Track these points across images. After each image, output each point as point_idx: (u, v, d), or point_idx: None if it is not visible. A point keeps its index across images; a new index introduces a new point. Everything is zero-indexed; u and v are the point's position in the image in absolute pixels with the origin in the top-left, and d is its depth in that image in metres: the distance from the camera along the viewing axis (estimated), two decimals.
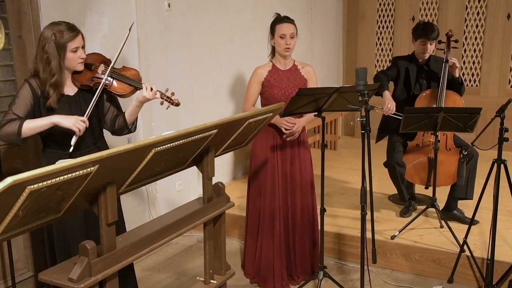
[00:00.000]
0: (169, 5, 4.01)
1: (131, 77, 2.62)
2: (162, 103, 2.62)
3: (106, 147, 2.73)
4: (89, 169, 1.60)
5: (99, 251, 1.83)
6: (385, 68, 6.78)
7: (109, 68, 2.56)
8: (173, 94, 2.62)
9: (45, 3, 3.06)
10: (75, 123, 2.39)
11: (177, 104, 2.61)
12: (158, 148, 1.86)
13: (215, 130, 2.15)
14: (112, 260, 1.86)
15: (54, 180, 1.50)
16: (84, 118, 2.44)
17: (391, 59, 6.66)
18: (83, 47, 2.52)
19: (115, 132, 2.71)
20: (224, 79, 4.79)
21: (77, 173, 1.56)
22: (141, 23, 3.79)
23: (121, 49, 2.58)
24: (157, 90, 2.59)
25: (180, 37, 4.17)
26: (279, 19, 3.19)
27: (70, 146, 2.46)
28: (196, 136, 2.05)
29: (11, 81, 3.05)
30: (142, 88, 2.58)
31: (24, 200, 1.46)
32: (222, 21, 4.66)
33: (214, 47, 4.60)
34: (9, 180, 1.35)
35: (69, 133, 2.46)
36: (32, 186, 1.44)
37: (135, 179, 1.93)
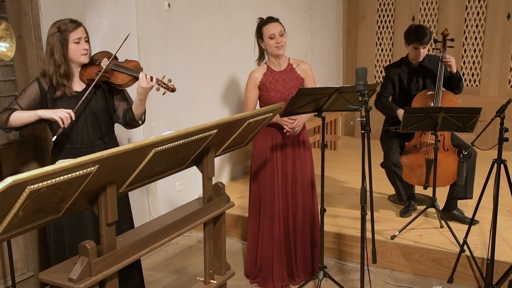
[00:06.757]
0: (169, 5, 4.01)
1: (130, 67, 2.64)
2: (158, 89, 2.61)
3: (115, 143, 2.77)
4: (89, 169, 1.60)
5: (99, 251, 1.83)
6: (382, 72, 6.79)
7: (110, 59, 2.61)
8: (170, 80, 2.63)
9: (45, 3, 3.07)
10: (57, 112, 2.42)
11: (173, 90, 2.62)
12: (158, 148, 1.86)
13: (215, 130, 2.15)
14: (112, 260, 1.86)
15: (54, 180, 1.50)
16: (70, 110, 2.45)
17: (388, 60, 6.68)
18: (87, 40, 2.58)
19: (128, 125, 2.76)
20: (224, 79, 4.79)
21: (77, 173, 1.56)
22: (141, 23, 3.80)
23: (123, 43, 2.63)
24: (153, 77, 2.58)
25: (180, 37, 4.17)
26: (263, 22, 3.17)
27: (55, 135, 2.47)
28: (196, 136, 2.05)
29: (11, 81, 3.05)
30: (138, 77, 2.58)
31: (24, 200, 1.46)
32: (222, 21, 4.66)
33: (214, 47, 4.59)
34: (9, 180, 1.35)
35: (78, 129, 2.55)
36: (32, 186, 1.44)
37: (135, 179, 1.93)
